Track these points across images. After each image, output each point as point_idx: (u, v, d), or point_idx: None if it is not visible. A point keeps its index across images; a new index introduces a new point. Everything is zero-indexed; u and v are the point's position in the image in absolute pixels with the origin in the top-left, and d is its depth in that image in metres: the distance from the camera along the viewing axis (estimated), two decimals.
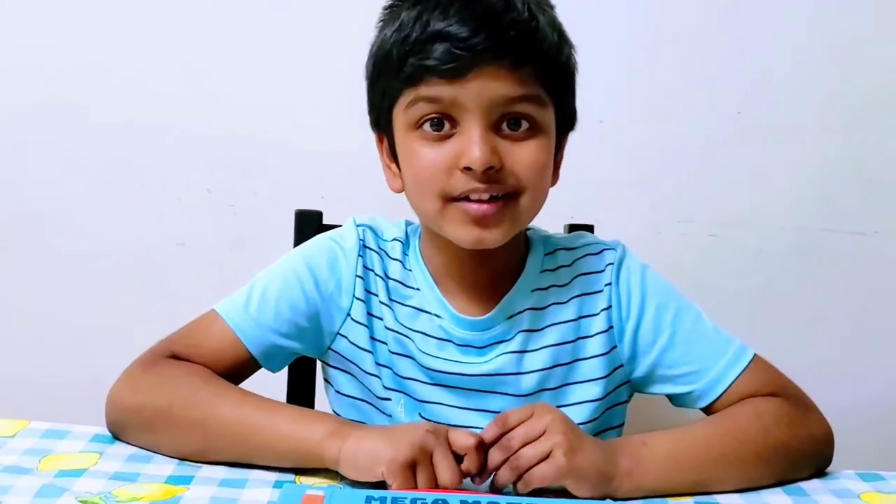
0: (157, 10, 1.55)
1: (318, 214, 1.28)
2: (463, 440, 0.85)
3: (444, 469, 0.83)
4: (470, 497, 0.80)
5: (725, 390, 1.00)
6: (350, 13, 1.52)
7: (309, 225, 1.25)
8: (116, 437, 0.95)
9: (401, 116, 0.95)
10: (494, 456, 0.85)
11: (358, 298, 1.04)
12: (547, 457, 0.83)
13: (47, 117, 1.59)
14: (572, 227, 1.31)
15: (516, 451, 0.84)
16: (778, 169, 1.58)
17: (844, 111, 1.56)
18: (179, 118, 1.58)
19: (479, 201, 0.92)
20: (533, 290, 1.04)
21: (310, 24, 1.55)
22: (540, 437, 0.84)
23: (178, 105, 1.58)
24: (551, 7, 0.97)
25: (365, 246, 1.06)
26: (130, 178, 1.60)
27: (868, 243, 1.59)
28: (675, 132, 1.57)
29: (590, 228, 1.31)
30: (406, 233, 1.08)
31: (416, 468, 0.83)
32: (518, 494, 0.84)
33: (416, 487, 0.82)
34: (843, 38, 1.54)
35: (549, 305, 1.03)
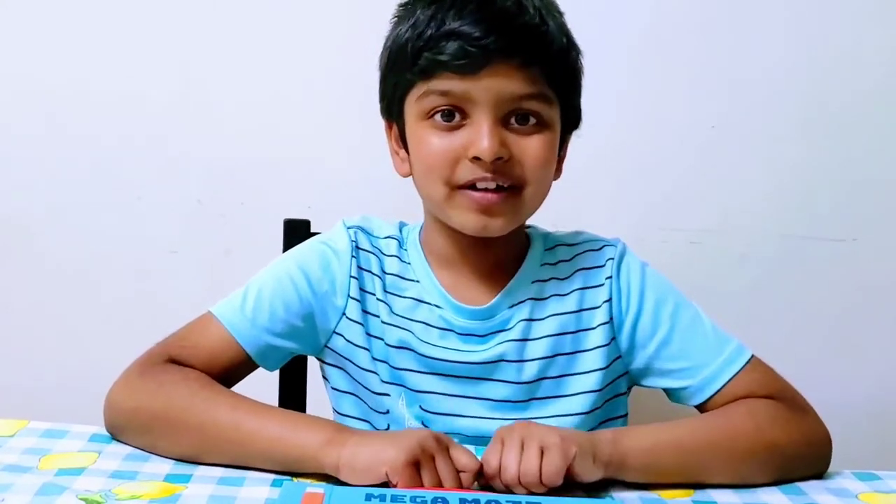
0: (149, 24, 1.57)
1: (306, 223, 1.29)
2: (466, 460, 0.86)
3: (446, 472, 0.84)
4: (469, 495, 0.81)
5: (720, 389, 1.01)
6: (338, 26, 1.56)
7: (297, 234, 1.27)
8: (115, 438, 0.96)
9: (413, 106, 0.98)
10: (499, 486, 0.86)
11: (353, 298, 1.05)
12: (542, 456, 0.84)
13: (41, 129, 1.59)
14: None
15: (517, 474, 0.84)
16: (758, 177, 1.60)
17: (823, 120, 1.58)
18: (172, 131, 1.59)
19: (485, 190, 0.95)
20: (533, 282, 1.05)
21: (298, 36, 1.57)
22: (523, 449, 0.85)
23: (171, 118, 1.59)
24: (560, 14, 1.01)
25: (358, 247, 1.07)
26: (124, 189, 1.61)
27: (847, 250, 1.61)
28: (657, 141, 1.59)
29: None
30: (400, 232, 1.10)
31: (419, 468, 0.83)
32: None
33: (421, 486, 0.82)
34: (821, 48, 1.56)
35: (550, 296, 1.05)
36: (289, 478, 0.88)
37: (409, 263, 1.07)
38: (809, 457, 0.97)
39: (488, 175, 0.95)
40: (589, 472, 0.87)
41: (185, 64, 1.59)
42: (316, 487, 0.82)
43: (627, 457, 0.89)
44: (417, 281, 1.06)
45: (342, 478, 0.85)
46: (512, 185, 0.96)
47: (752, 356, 1.03)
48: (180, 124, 1.59)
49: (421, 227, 1.10)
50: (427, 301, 1.05)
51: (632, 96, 1.58)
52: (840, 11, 1.56)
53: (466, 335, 1.04)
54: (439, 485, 0.83)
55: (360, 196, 1.51)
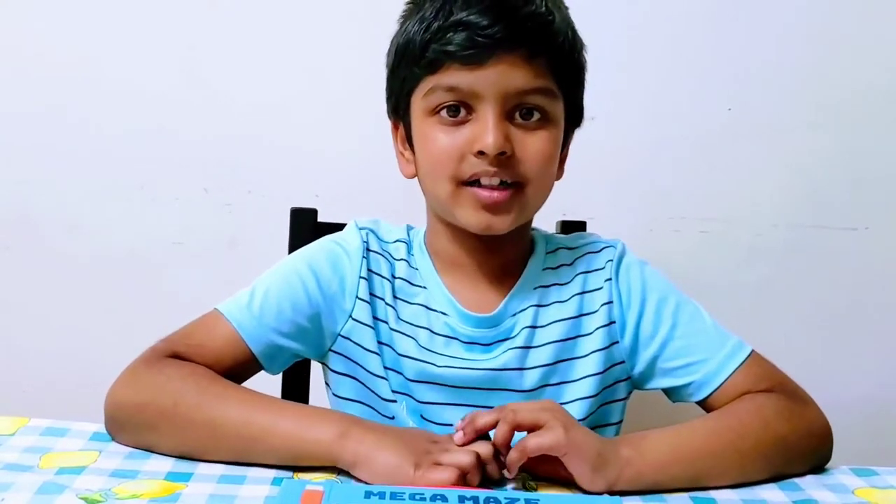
0: (153, 13, 1.56)
1: (313, 212, 1.29)
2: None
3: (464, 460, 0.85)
4: (468, 493, 0.80)
5: (723, 383, 1.01)
6: (344, 15, 1.55)
7: (304, 223, 1.27)
8: (113, 435, 0.94)
9: (419, 102, 0.98)
10: (513, 456, 0.86)
11: (361, 300, 1.04)
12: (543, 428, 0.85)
13: (46, 119, 1.59)
14: (565, 224, 1.33)
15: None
16: (769, 166, 1.59)
17: (834, 108, 1.57)
18: (176, 119, 1.59)
19: (491, 188, 0.95)
20: (535, 288, 1.05)
21: (304, 25, 1.56)
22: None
23: (175, 106, 1.58)
24: (566, 7, 1.01)
25: (368, 249, 1.06)
26: (129, 178, 1.61)
27: (858, 239, 1.60)
28: (667, 129, 1.58)
29: (582, 225, 1.32)
30: (408, 235, 1.09)
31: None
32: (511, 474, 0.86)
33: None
34: (833, 37, 1.55)
35: (552, 303, 1.05)
36: (289, 475, 0.88)
37: (416, 269, 1.07)
38: (812, 448, 0.96)
39: (491, 170, 0.95)
40: (598, 488, 0.86)
41: (192, 51, 1.58)
42: (315, 485, 0.81)
43: (643, 475, 0.88)
44: (425, 287, 1.06)
45: (356, 475, 0.85)
46: (516, 182, 0.97)
47: (752, 351, 1.03)
48: (186, 112, 1.59)
49: (426, 231, 1.09)
50: (434, 308, 1.05)
51: (641, 85, 1.57)
52: (854, 1, 1.55)
53: (470, 343, 1.04)
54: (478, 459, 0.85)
55: (368, 185, 1.50)
